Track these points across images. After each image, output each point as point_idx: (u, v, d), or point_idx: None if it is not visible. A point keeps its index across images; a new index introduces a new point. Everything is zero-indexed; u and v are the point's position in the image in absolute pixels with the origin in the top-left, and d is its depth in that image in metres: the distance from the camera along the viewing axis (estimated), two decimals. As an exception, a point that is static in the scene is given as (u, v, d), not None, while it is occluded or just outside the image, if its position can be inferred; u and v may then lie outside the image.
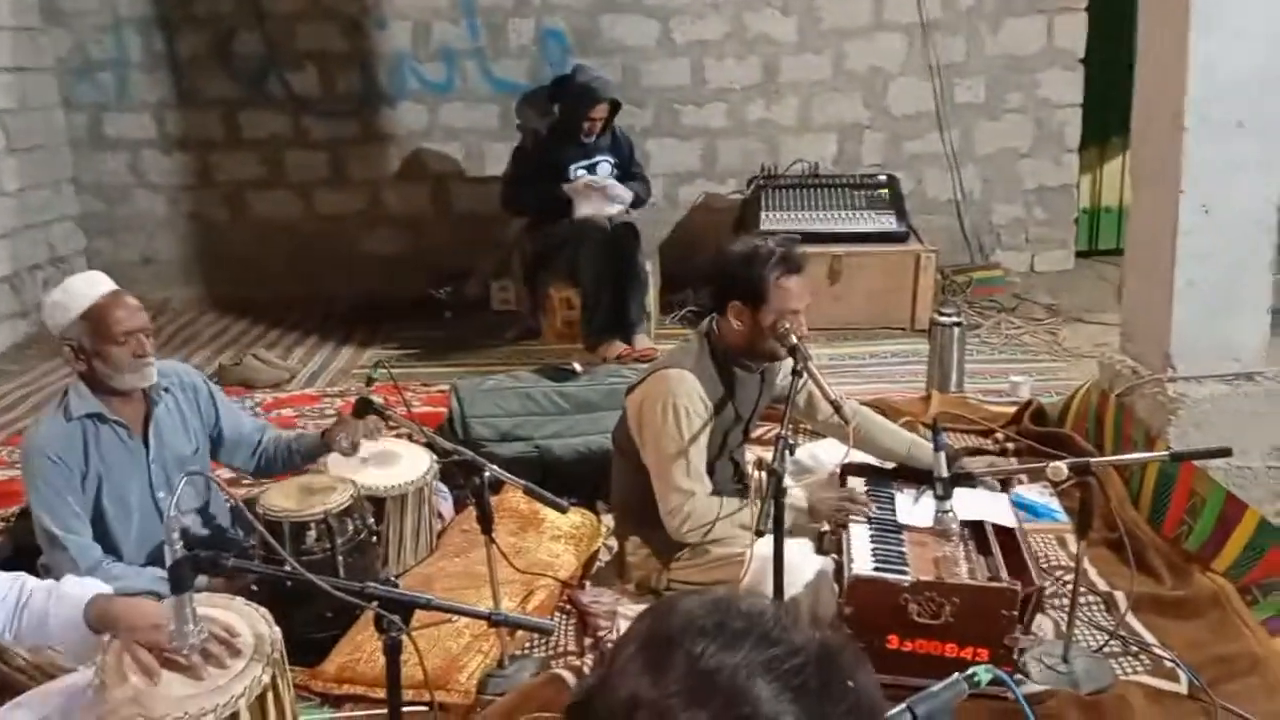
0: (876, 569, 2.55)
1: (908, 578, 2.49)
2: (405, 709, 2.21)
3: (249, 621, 2.04)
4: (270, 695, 1.98)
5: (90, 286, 2.72)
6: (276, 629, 2.01)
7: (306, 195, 6.53)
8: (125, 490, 2.76)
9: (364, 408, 2.83)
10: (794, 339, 2.71)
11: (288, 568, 1.96)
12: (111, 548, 2.75)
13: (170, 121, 6.43)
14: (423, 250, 6.43)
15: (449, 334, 5.80)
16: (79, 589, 2.00)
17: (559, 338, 5.52)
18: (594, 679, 0.90)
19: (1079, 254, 6.69)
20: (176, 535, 1.77)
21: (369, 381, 2.95)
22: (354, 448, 2.86)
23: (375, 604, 1.79)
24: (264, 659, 1.97)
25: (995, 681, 1.45)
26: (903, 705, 1.22)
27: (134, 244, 6.53)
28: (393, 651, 1.85)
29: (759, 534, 2.34)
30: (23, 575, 2.06)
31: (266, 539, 1.98)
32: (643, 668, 0.84)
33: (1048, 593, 2.91)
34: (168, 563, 1.77)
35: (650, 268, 5.52)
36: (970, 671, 1.30)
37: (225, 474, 3.19)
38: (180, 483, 1.79)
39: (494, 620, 1.91)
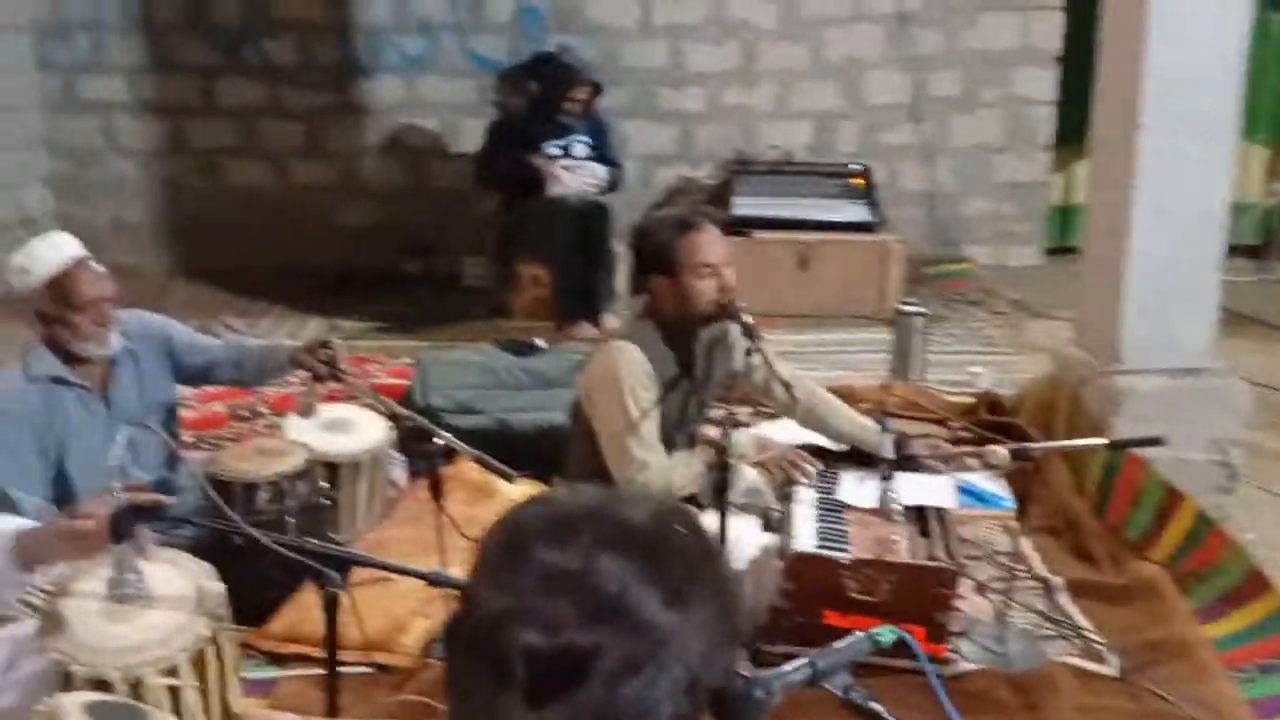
0: (819, 546, 2.61)
1: (846, 555, 2.55)
2: (348, 669, 2.26)
3: (191, 576, 2.07)
4: (210, 649, 2.01)
5: (54, 251, 2.70)
6: (219, 584, 2.04)
7: (281, 165, 6.51)
8: (88, 452, 2.74)
9: (323, 347, 2.86)
10: (748, 318, 2.76)
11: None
12: (62, 506, 2.75)
13: (145, 86, 6.39)
14: (396, 224, 6.42)
15: (418, 308, 5.80)
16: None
17: (528, 315, 5.53)
18: (459, 605, 0.96)
19: (1050, 251, 6.75)
20: (119, 484, 1.80)
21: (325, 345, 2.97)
22: (310, 409, 2.88)
23: (311, 558, 1.82)
24: (205, 613, 2.00)
25: (908, 650, 1.51)
26: (805, 659, 1.27)
27: (105, 208, 6.49)
28: (330, 606, 1.88)
29: (700, 507, 2.39)
30: None
31: (210, 493, 2.00)
32: (500, 583, 0.91)
33: (988, 577, 2.99)
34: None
35: (621, 249, 5.55)
36: (875, 631, 1.35)
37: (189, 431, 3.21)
38: (123, 435, 1.81)
39: (433, 580, 1.95)
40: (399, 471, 3.33)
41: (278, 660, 2.61)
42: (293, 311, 5.77)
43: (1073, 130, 6.55)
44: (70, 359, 2.74)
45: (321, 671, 2.48)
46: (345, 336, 3.09)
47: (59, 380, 2.73)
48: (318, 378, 2.83)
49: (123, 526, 1.81)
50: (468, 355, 3.98)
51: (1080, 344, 3.69)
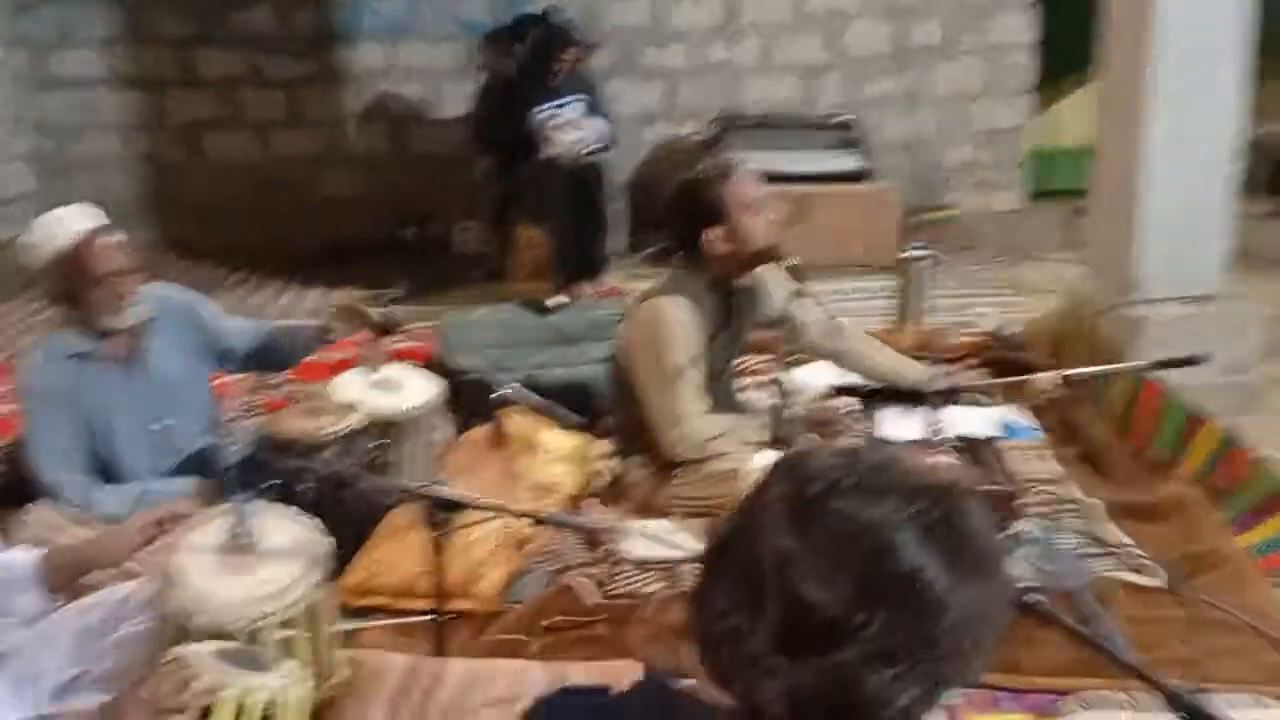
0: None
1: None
2: (422, 617, 2.31)
3: (299, 531, 2.09)
4: (318, 601, 2.05)
5: (66, 224, 2.63)
6: (326, 538, 2.07)
7: (264, 136, 6.44)
8: (118, 425, 2.73)
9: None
10: (795, 260, 2.81)
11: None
12: (111, 479, 2.74)
13: (122, 59, 6.27)
14: (384, 192, 6.39)
15: (417, 275, 5.77)
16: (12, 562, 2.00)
17: (527, 278, 5.53)
18: (731, 528, 0.95)
19: (1032, 195, 6.88)
20: (231, 439, 1.82)
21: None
22: (376, 363, 2.94)
23: (430, 500, 1.86)
24: (314, 566, 2.03)
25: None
26: None
27: (87, 185, 6.34)
28: (438, 547, 1.93)
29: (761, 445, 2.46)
30: None
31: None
32: (789, 524, 0.90)
33: (1029, 503, 3.09)
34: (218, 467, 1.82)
35: (616, 208, 5.58)
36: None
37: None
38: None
39: (545, 520, 2.00)
40: (447, 428, 3.37)
41: (352, 613, 2.64)
42: (288, 285, 5.73)
43: (1051, 73, 6.68)
44: (94, 332, 2.70)
45: (396, 621, 2.56)
46: (386, 297, 3.10)
47: (83, 355, 2.69)
48: (377, 333, 2.86)
49: (235, 482, 1.83)
50: (489, 315, 4.00)
51: (1093, 277, 3.80)
